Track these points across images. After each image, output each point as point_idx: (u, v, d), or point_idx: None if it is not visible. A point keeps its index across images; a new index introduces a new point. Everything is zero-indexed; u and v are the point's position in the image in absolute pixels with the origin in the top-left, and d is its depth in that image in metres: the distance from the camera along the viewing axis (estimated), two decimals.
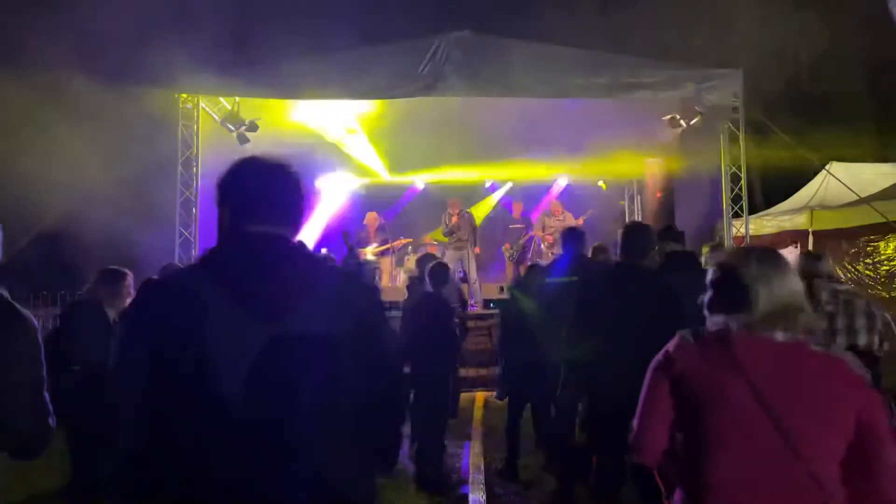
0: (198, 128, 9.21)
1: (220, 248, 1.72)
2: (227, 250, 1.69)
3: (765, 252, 1.94)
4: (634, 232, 3.87)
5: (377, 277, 10.63)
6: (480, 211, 13.36)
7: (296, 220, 1.79)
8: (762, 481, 1.74)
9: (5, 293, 2.19)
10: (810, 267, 3.67)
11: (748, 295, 1.82)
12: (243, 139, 10.06)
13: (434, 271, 5.61)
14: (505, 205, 13.24)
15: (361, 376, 1.62)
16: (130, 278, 4.44)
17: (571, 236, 5.17)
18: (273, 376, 1.51)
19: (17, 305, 2.18)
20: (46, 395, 2.14)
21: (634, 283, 3.60)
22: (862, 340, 3.41)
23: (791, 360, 1.79)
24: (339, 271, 1.92)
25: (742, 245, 9.14)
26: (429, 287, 5.60)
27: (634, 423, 1.99)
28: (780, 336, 1.80)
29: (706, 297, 1.96)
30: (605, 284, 3.76)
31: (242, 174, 1.81)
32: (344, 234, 9.73)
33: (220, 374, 1.48)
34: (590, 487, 4.42)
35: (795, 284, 1.85)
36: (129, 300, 4.20)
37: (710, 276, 1.98)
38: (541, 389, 5.23)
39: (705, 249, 6.86)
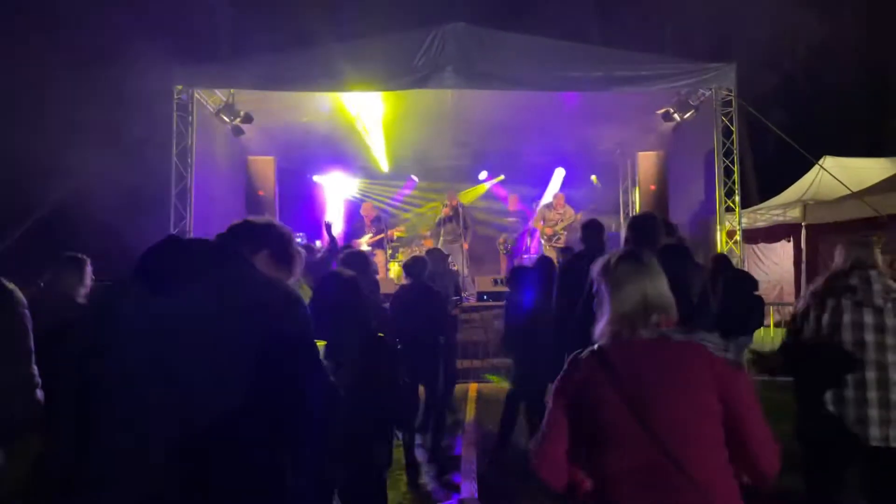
0: (193, 119, 9.20)
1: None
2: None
3: (622, 256, 2.05)
4: (642, 223, 3.90)
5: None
6: (471, 199, 13.36)
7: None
8: (640, 472, 1.81)
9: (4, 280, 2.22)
10: (859, 255, 3.31)
11: (608, 300, 1.96)
12: (238, 131, 10.08)
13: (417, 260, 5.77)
14: (500, 197, 13.26)
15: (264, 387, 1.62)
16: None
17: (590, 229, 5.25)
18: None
19: (3, 279, 2.21)
20: (35, 367, 2.17)
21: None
22: None
23: (656, 357, 1.87)
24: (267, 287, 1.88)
25: (732, 239, 9.22)
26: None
27: (532, 447, 2.02)
28: (644, 334, 1.89)
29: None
30: None
31: None
32: (326, 224, 9.75)
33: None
34: None
35: (651, 285, 1.95)
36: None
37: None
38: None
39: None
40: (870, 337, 3.11)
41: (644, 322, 1.91)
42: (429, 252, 6.39)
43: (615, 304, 1.95)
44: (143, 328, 1.61)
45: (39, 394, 2.14)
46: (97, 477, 1.56)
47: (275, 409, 1.64)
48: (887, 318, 3.12)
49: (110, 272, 6.27)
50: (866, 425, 3.03)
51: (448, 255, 6.18)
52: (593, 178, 12.33)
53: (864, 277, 3.18)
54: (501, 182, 13.25)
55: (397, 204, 13.64)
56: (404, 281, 5.90)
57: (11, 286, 2.17)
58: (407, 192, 13.63)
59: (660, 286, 1.97)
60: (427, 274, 5.78)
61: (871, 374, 3.06)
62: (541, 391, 4.86)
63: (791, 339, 3.41)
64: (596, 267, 2.08)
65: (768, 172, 16.98)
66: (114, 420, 1.57)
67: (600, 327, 1.99)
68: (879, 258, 3.30)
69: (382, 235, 11.26)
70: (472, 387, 8.42)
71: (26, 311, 2.16)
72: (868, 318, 3.15)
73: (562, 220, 11.32)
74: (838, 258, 3.39)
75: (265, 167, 10.80)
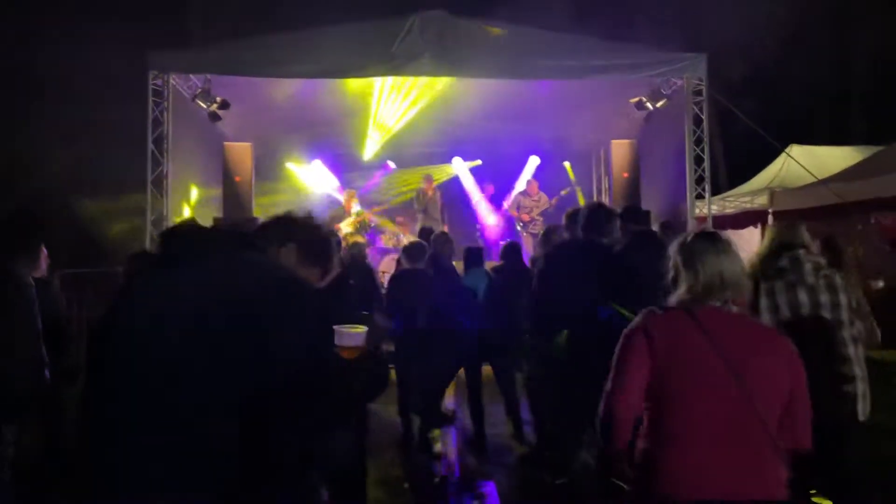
0: (169, 105, 9.15)
1: None
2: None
3: (704, 234, 2.24)
4: (594, 212, 4.09)
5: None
6: (452, 187, 13.46)
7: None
8: (720, 424, 2.02)
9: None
10: (784, 237, 3.46)
11: (692, 273, 2.14)
12: (215, 117, 10.05)
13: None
14: (476, 184, 13.38)
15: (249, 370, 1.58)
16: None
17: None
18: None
19: (10, 266, 2.28)
20: (43, 347, 2.26)
21: (592, 258, 3.83)
22: (843, 317, 3.33)
23: (744, 327, 2.13)
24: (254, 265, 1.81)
25: (703, 226, 9.45)
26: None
27: (606, 392, 2.15)
28: (732, 308, 2.12)
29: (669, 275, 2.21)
30: (565, 259, 3.99)
31: None
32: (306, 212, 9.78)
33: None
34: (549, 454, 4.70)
35: (732, 263, 2.14)
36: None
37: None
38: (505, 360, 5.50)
39: None
40: (807, 314, 3.28)
41: (720, 296, 2.11)
42: (436, 236, 6.49)
43: (692, 277, 2.14)
44: (143, 307, 1.65)
45: (46, 372, 2.23)
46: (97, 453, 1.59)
47: (267, 391, 1.59)
48: (821, 295, 3.29)
49: (86, 258, 6.32)
50: None
51: (452, 240, 6.33)
52: (566, 165, 12.51)
53: (794, 258, 3.34)
54: (477, 169, 13.36)
55: (375, 189, 13.69)
56: (406, 265, 5.97)
57: (20, 272, 2.24)
58: (384, 177, 13.67)
59: (735, 265, 2.15)
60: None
61: None
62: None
63: None
64: (673, 245, 2.26)
65: (738, 160, 17.32)
66: (107, 400, 1.60)
67: (675, 298, 2.19)
68: (807, 237, 3.44)
69: (362, 218, 11.32)
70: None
71: (35, 297, 2.23)
72: (803, 297, 3.31)
73: (536, 207, 11.50)
74: (763, 242, 3.54)
75: (242, 153, 10.81)
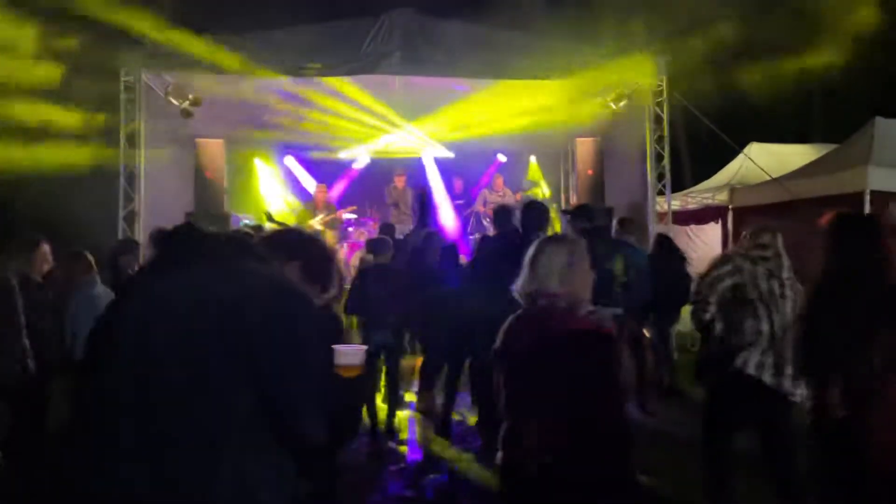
0: (139, 101, 9.23)
1: None
2: None
3: (541, 239, 2.59)
4: (529, 210, 4.49)
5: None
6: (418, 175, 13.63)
7: None
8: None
9: None
10: (766, 239, 3.96)
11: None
12: (187, 114, 10.13)
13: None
14: (446, 181, 13.60)
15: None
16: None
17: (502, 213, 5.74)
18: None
19: None
20: (26, 340, 2.44)
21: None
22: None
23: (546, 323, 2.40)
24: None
25: (663, 221, 9.81)
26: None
27: None
28: (541, 302, 2.42)
29: None
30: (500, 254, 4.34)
31: None
32: (266, 213, 9.97)
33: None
34: None
35: (552, 264, 2.43)
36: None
37: None
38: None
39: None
40: (768, 299, 3.76)
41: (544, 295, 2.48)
42: (428, 234, 6.79)
43: (526, 278, 2.53)
44: (137, 310, 1.69)
45: (31, 363, 2.43)
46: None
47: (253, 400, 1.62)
48: (787, 291, 3.81)
49: (56, 254, 6.44)
50: (763, 369, 3.71)
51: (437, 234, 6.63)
52: (532, 162, 12.81)
53: (777, 254, 3.85)
54: (448, 167, 13.59)
55: (347, 184, 13.83)
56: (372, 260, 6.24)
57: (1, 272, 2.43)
58: (356, 172, 13.82)
59: (555, 267, 2.47)
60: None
61: (764, 327, 3.72)
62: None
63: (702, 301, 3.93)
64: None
65: (702, 157, 17.79)
66: (95, 399, 1.63)
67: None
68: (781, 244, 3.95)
69: (333, 216, 11.49)
70: (418, 361, 8.82)
71: (17, 292, 2.42)
72: (774, 286, 3.80)
73: (501, 202, 11.79)
74: (749, 236, 4.00)
75: (214, 149, 10.92)
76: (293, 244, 2.12)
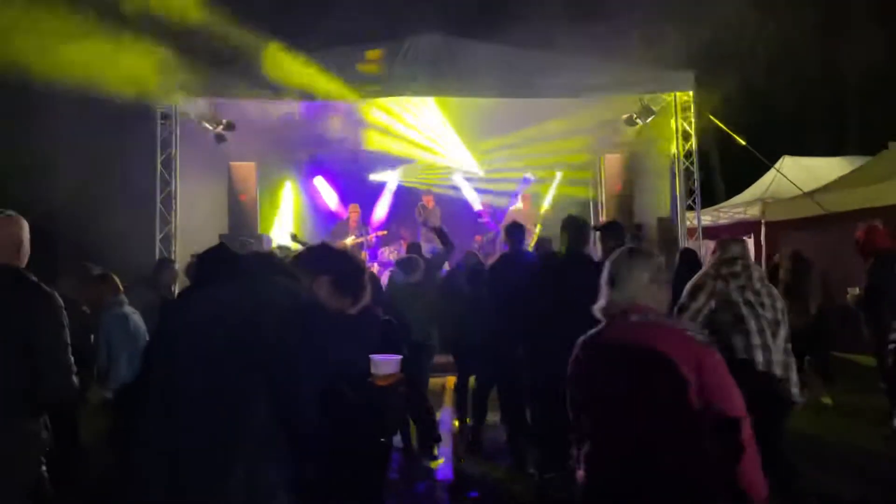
0: (176, 127, 9.49)
1: None
2: None
3: (621, 253, 2.50)
4: (572, 225, 4.40)
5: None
6: (451, 203, 13.76)
7: None
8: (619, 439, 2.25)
9: (33, 277, 2.62)
10: (735, 251, 4.00)
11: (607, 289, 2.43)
12: (220, 139, 10.40)
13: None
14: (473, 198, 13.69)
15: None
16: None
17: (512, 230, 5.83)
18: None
19: (43, 284, 2.60)
20: (71, 357, 2.56)
21: (575, 270, 4.13)
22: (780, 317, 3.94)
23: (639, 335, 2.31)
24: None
25: (693, 237, 9.74)
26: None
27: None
28: (633, 318, 2.31)
29: None
30: (550, 272, 4.30)
31: None
32: (291, 234, 10.16)
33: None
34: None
35: (640, 278, 2.37)
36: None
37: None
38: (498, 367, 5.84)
39: None
40: (749, 312, 3.77)
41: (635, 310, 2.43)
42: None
43: (613, 293, 2.47)
44: (168, 326, 1.87)
45: (75, 379, 2.54)
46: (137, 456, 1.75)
47: (275, 410, 1.73)
48: (764, 298, 3.83)
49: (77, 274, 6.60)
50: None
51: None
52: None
53: (746, 266, 3.87)
54: (475, 185, 13.70)
55: (377, 205, 14.00)
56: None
57: (50, 290, 2.55)
58: (386, 193, 13.99)
59: (643, 282, 2.45)
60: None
61: (755, 340, 3.71)
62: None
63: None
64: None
65: (733, 171, 17.61)
66: (152, 411, 1.77)
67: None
68: (750, 254, 4.09)
69: (364, 239, 11.64)
70: (449, 380, 8.85)
71: (64, 311, 2.55)
72: (750, 297, 3.82)
73: (529, 220, 11.82)
74: (717, 251, 4.01)
75: (247, 172, 11.14)
76: (321, 259, 2.20)
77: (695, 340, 2.26)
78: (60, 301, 2.55)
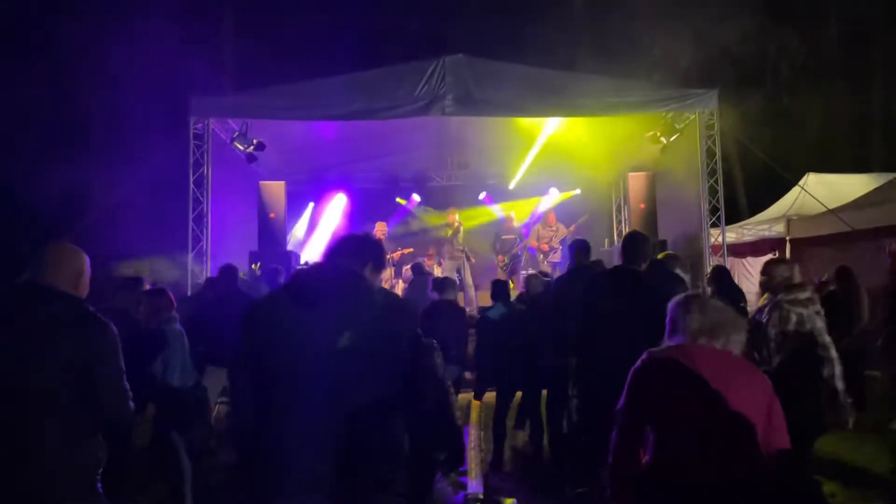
0: (208, 147, 9.73)
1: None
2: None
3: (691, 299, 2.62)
4: (633, 240, 4.46)
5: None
6: (476, 221, 13.94)
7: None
8: (705, 450, 2.37)
9: (91, 308, 2.76)
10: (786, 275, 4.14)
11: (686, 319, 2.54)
12: (251, 158, 10.64)
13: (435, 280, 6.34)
14: (499, 217, 13.85)
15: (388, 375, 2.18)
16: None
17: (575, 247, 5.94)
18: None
19: (99, 314, 2.75)
20: (126, 384, 2.70)
21: (633, 287, 4.21)
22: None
23: (725, 363, 2.46)
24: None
25: (718, 253, 9.77)
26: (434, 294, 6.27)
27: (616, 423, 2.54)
28: (717, 345, 2.47)
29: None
30: (607, 288, 4.38)
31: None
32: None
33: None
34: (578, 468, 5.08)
35: (721, 309, 2.54)
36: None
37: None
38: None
39: None
40: (830, 340, 3.84)
41: (715, 339, 2.55)
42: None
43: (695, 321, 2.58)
44: (292, 336, 2.18)
45: (131, 403, 2.69)
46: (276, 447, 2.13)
47: (402, 396, 2.18)
48: (819, 322, 3.88)
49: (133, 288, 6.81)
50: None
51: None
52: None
53: (812, 290, 3.97)
54: (500, 203, 13.86)
55: (400, 223, 14.22)
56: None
57: (106, 319, 2.70)
58: (409, 211, 14.21)
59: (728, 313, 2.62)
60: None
61: (838, 370, 3.78)
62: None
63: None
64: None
65: (758, 187, 17.58)
66: (281, 406, 2.14)
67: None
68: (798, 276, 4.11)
69: (389, 256, 11.82)
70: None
71: (118, 338, 2.70)
72: (819, 323, 3.87)
73: (555, 237, 11.91)
74: (796, 275, 4.08)
75: (276, 191, 11.39)
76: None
77: (770, 386, 2.46)
78: (115, 330, 2.69)
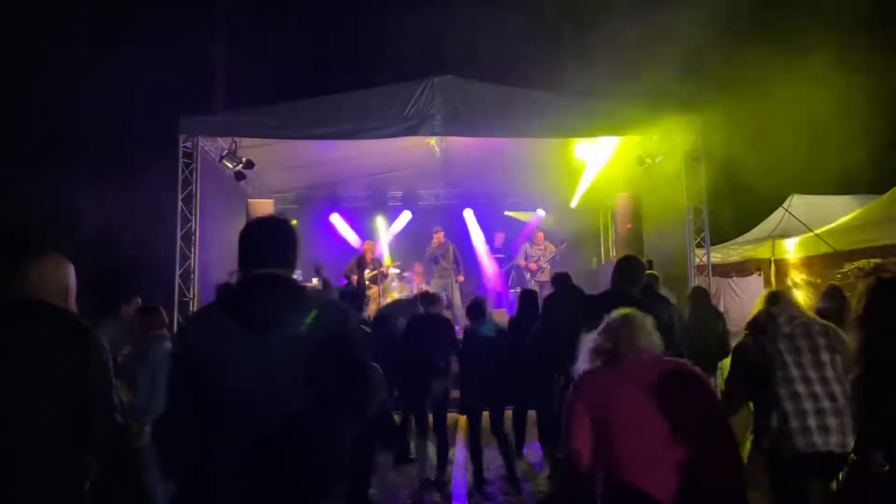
0: (197, 166, 9.74)
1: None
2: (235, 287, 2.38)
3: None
4: (626, 264, 4.52)
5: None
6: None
7: (289, 262, 2.40)
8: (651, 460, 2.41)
9: (82, 320, 2.77)
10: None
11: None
12: (240, 177, 10.66)
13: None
14: (487, 235, 13.92)
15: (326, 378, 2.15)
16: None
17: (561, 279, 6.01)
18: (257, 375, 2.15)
19: (91, 328, 2.74)
20: (115, 395, 2.70)
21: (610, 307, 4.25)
22: None
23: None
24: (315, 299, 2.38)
25: (702, 274, 9.86)
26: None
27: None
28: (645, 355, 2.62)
29: None
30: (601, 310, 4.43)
31: (247, 230, 2.43)
32: (316, 268, 10.35)
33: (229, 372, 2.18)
34: None
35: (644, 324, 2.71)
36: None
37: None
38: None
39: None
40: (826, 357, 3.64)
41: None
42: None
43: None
44: (243, 354, 2.14)
45: (119, 417, 2.69)
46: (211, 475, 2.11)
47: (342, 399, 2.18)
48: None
49: (118, 307, 6.83)
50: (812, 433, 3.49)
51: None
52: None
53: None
54: (487, 220, 13.94)
55: (390, 240, 14.27)
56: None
57: (96, 332, 2.70)
58: (399, 229, 14.25)
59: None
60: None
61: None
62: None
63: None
64: None
65: (743, 208, 17.74)
66: (222, 429, 2.12)
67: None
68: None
69: (377, 272, 11.85)
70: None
71: (107, 348, 2.70)
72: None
73: (543, 256, 12.00)
74: (827, 301, 4.17)
75: (264, 210, 11.40)
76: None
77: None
78: (106, 343, 2.69)
